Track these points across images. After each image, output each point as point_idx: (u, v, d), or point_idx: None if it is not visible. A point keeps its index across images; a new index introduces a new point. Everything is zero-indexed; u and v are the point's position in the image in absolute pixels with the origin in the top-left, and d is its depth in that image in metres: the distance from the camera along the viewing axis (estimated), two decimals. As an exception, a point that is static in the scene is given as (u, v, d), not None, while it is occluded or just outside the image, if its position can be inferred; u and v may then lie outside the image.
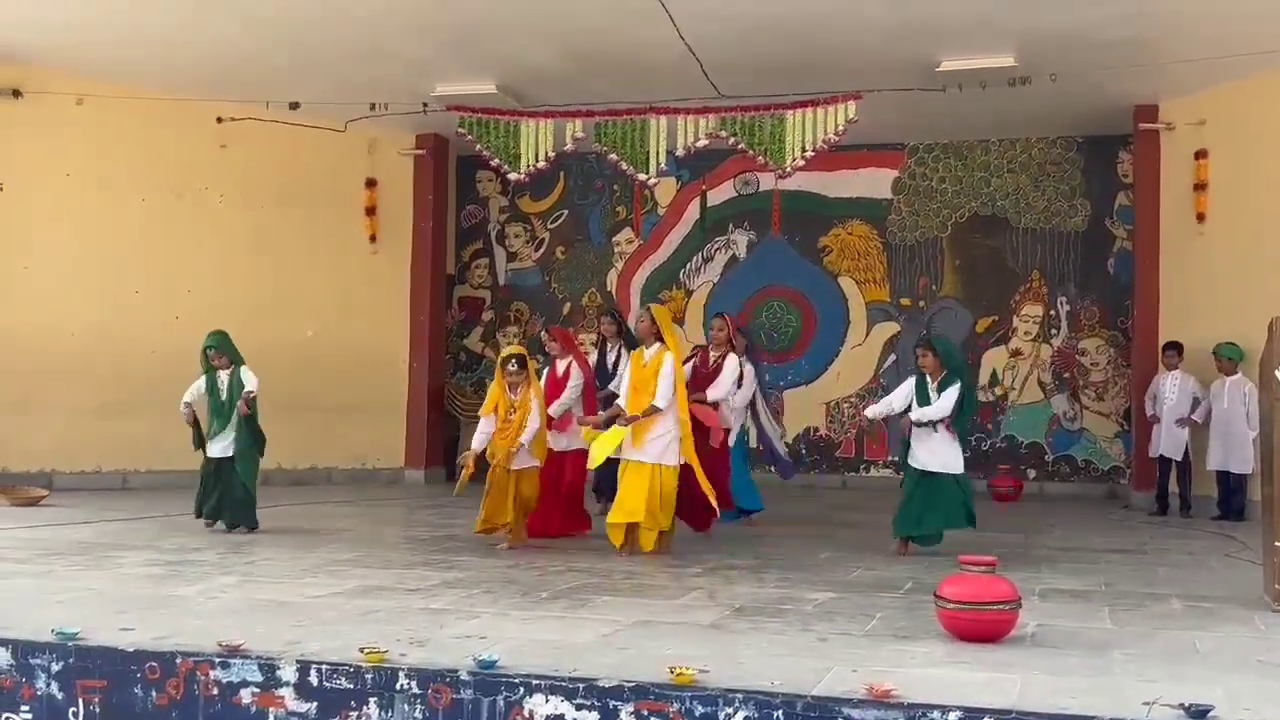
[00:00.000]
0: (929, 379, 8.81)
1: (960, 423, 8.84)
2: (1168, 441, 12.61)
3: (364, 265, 15.40)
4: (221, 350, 9.99)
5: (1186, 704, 4.09)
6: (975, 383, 15.17)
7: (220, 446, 9.79)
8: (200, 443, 9.94)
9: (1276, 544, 6.40)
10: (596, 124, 12.03)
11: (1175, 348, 12.76)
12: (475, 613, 6.05)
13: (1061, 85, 12.17)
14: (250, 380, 9.81)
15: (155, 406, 13.58)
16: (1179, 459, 12.57)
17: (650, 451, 8.53)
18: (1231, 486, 12.00)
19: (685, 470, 8.64)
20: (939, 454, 8.72)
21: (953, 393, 8.62)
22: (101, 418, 13.41)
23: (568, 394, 9.66)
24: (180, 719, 4.88)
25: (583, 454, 9.57)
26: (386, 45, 12.05)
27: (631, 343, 10.45)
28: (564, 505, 9.68)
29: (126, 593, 6.58)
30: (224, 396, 9.85)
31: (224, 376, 9.92)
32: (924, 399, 8.75)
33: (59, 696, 5.06)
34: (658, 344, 8.72)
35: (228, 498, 9.77)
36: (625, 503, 8.52)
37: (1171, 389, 12.67)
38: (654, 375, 8.56)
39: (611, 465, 9.91)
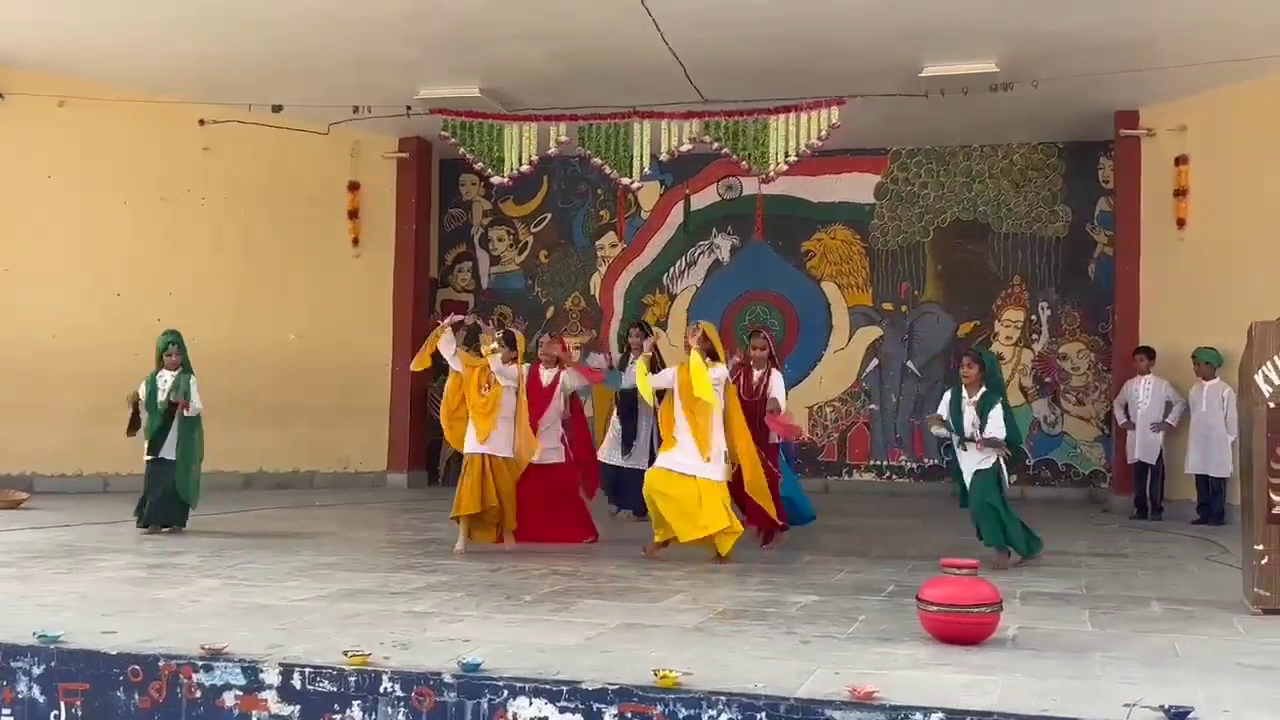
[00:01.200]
0: (965, 392, 8.57)
1: (1013, 440, 8.60)
2: (1142, 446, 12.69)
3: (347, 268, 15.38)
4: (179, 349, 9.97)
5: (1166, 706, 4.12)
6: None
7: (156, 451, 9.82)
8: (137, 425, 9.89)
9: (1256, 547, 6.44)
10: (580, 128, 12.05)
11: (1146, 352, 12.85)
12: (459, 616, 6.06)
13: (1043, 91, 12.23)
14: (195, 400, 9.85)
15: (137, 409, 13.60)
16: (1153, 463, 12.65)
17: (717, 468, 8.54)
18: (1211, 490, 12.07)
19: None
20: (972, 459, 8.57)
21: (999, 413, 8.38)
22: (82, 421, 13.34)
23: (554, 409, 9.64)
24: (163, 722, 4.88)
25: (569, 467, 9.66)
26: (370, 48, 12.04)
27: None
28: (570, 513, 9.57)
29: (108, 595, 6.56)
30: (162, 397, 9.83)
31: (168, 377, 9.89)
32: (957, 411, 8.54)
33: (41, 700, 5.05)
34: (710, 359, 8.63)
35: (159, 496, 9.76)
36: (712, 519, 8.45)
37: (1145, 394, 12.75)
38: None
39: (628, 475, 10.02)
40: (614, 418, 11.69)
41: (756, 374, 9.42)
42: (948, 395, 8.74)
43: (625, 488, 11.37)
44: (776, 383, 9.34)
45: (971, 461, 8.53)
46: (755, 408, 9.16)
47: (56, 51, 12.50)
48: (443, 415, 9.33)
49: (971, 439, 8.44)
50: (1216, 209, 12.68)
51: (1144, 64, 11.75)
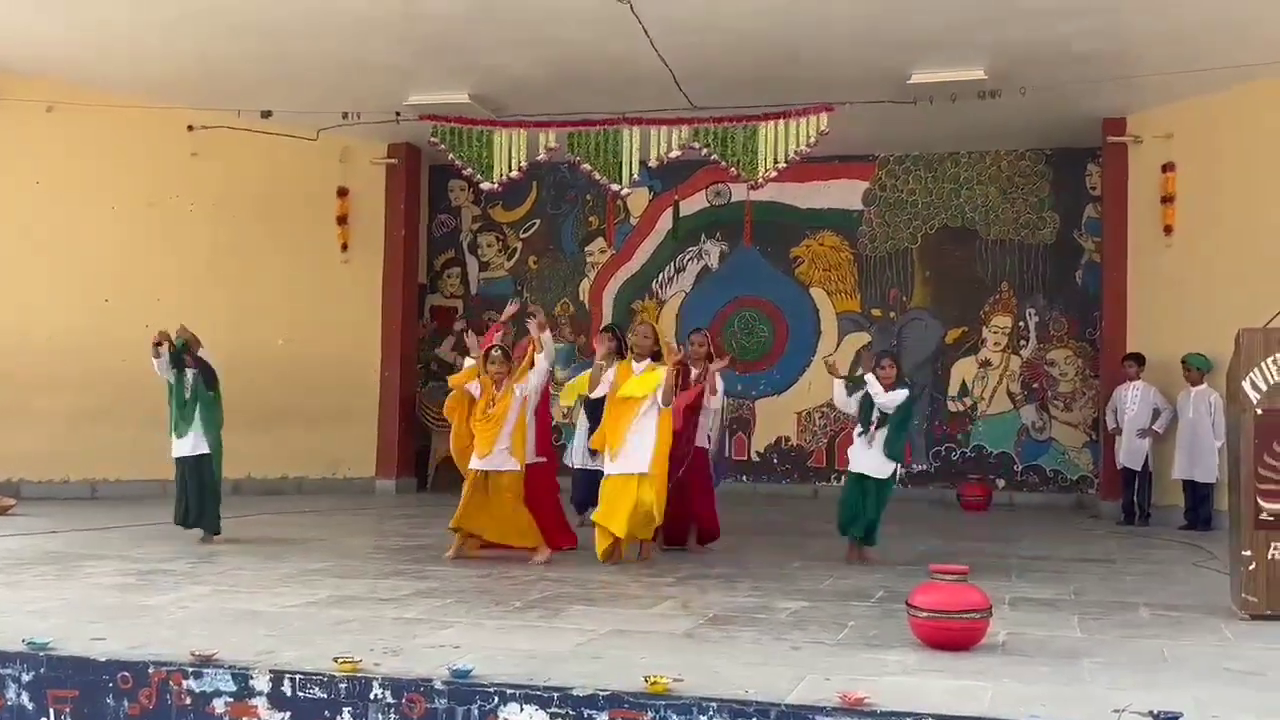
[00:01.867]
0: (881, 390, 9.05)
1: (902, 431, 9.08)
2: (1128, 452, 12.73)
3: (335, 274, 15.36)
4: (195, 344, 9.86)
5: (1155, 711, 4.14)
6: (943, 396, 15.27)
7: (188, 444, 9.67)
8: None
9: (1243, 553, 6.47)
10: (569, 134, 12.06)
11: (1135, 359, 12.89)
12: (449, 622, 6.05)
13: (1030, 98, 12.28)
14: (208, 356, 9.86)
15: (125, 416, 13.55)
16: (1138, 469, 12.69)
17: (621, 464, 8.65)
18: (1198, 496, 12.10)
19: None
20: (869, 459, 9.04)
21: (902, 393, 8.89)
22: (71, 427, 13.32)
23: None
24: (153, 729, 4.87)
25: (546, 467, 9.61)
26: (359, 55, 12.04)
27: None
28: (548, 519, 9.40)
29: (97, 602, 6.55)
30: (188, 395, 9.74)
31: (189, 375, 9.78)
32: (868, 406, 9.00)
33: (30, 707, 5.04)
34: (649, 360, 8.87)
35: (197, 499, 9.63)
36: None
37: (1133, 400, 12.79)
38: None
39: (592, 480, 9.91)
40: (581, 419, 11.42)
41: (694, 373, 9.54)
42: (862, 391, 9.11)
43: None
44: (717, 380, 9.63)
45: (871, 464, 9.00)
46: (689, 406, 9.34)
47: (45, 56, 12.48)
48: (454, 450, 9.21)
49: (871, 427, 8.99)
50: (1203, 216, 12.73)
51: (1131, 72, 11.81)
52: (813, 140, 11.53)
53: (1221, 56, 11.21)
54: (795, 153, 11.55)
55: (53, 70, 12.86)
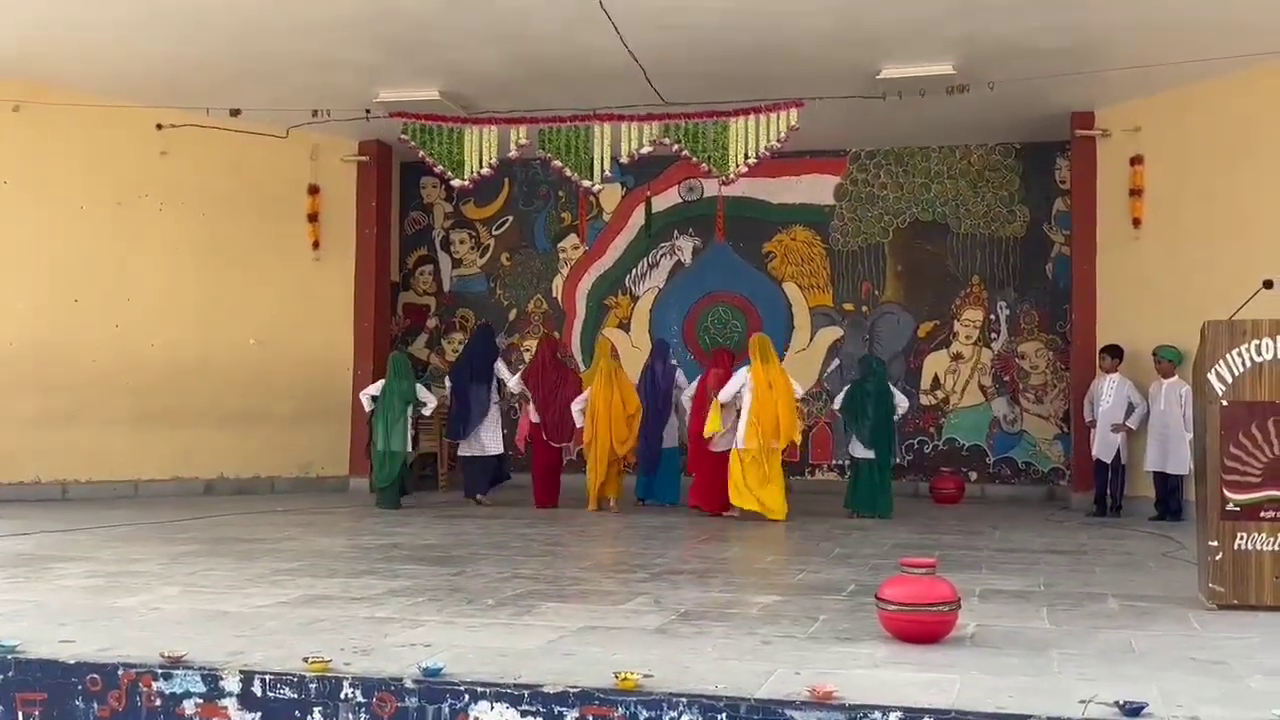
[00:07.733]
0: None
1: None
2: (1100, 444, 12.80)
3: (307, 272, 15.30)
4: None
5: (1121, 701, 4.17)
6: (915, 389, 15.34)
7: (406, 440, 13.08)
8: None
9: (1210, 544, 6.52)
10: (540, 130, 12.08)
11: (1113, 351, 12.94)
12: (420, 621, 6.05)
13: (1000, 93, 12.34)
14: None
15: (96, 416, 13.50)
16: (1109, 461, 12.76)
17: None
18: (1169, 487, 12.19)
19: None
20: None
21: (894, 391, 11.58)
22: (41, 428, 13.24)
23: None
24: (122, 731, 4.85)
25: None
26: (329, 52, 11.99)
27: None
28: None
29: (67, 604, 6.51)
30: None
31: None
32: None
33: (-2, 710, 5.01)
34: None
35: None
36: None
37: (1108, 392, 12.85)
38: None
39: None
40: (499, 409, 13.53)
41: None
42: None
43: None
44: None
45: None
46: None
47: (11, 55, 12.38)
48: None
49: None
50: (1171, 208, 12.82)
51: (1099, 66, 11.88)
52: (783, 135, 11.59)
53: (1189, 50, 11.29)
54: (766, 148, 11.62)
55: (19, 69, 12.76)
